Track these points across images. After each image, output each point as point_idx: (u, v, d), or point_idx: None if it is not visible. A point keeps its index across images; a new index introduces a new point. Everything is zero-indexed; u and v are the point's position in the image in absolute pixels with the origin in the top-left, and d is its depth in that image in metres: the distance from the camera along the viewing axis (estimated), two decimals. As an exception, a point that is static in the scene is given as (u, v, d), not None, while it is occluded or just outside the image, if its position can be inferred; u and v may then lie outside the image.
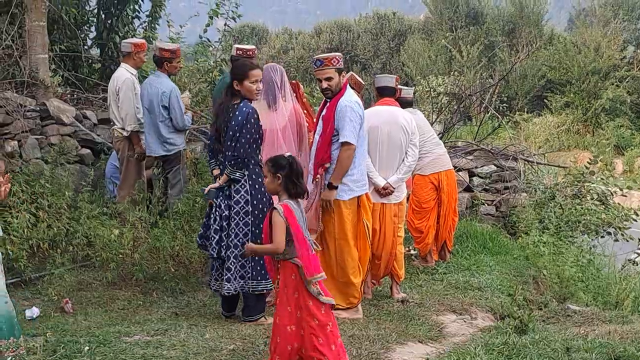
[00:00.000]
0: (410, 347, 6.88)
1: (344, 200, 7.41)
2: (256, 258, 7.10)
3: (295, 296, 5.50)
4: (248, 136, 7.00)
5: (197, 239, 7.52)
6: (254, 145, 7.12)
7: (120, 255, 8.30)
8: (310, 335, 5.43)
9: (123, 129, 9.68)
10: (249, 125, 6.99)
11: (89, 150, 10.83)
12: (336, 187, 7.37)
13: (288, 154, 5.77)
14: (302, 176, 5.68)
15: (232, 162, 7.01)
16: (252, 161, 7.12)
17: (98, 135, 11.12)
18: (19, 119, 9.60)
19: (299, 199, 5.67)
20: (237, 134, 6.96)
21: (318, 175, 7.47)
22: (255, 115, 7.07)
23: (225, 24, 13.26)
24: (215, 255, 7.13)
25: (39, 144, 9.97)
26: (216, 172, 7.27)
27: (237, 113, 6.99)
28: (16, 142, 9.56)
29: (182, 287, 8.35)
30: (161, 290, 8.15)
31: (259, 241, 6.31)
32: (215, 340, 6.52)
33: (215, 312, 7.64)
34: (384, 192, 8.12)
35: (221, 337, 6.62)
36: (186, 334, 6.73)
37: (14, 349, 5.45)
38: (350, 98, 7.39)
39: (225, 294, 7.14)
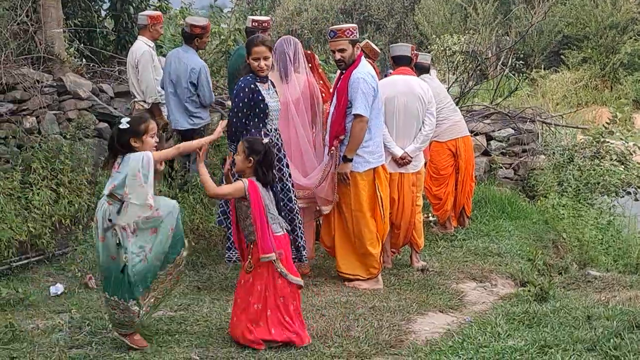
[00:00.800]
0: (431, 318, 6.93)
1: (359, 172, 7.44)
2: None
3: (265, 275, 5.79)
4: (236, 110, 7.04)
5: (217, 215, 7.57)
6: (248, 119, 7.11)
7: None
8: (276, 311, 5.82)
9: (144, 101, 9.70)
10: (237, 99, 7.05)
11: (106, 124, 10.83)
12: (351, 160, 7.43)
13: (266, 140, 5.89)
14: (273, 167, 5.89)
15: (228, 135, 7.18)
16: (245, 133, 7.09)
17: (115, 108, 11.13)
18: (36, 95, 9.60)
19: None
20: (235, 109, 7.06)
21: (333, 148, 7.49)
22: (246, 89, 7.03)
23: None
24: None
25: (57, 120, 9.98)
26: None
27: (236, 87, 7.13)
28: (34, 118, 9.57)
29: (203, 260, 8.40)
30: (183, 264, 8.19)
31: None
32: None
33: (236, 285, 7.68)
34: (402, 161, 8.12)
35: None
36: (209, 308, 6.80)
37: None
38: (363, 70, 7.39)
39: None
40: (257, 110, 7.06)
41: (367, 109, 7.30)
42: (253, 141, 5.82)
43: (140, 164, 5.47)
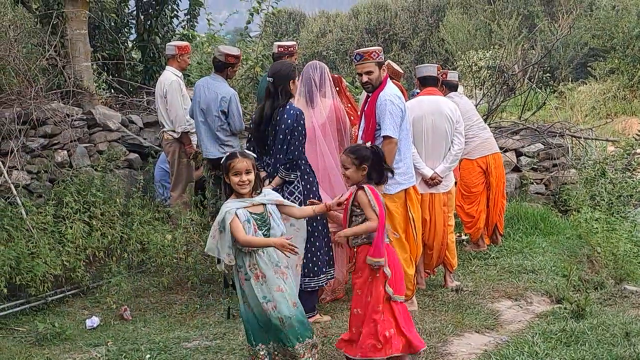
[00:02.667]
0: (468, 339, 6.89)
1: (390, 194, 7.40)
2: (309, 255, 7.18)
3: (369, 281, 5.71)
4: (301, 138, 7.09)
5: None
6: (304, 146, 7.20)
7: (175, 260, 8.42)
8: (370, 322, 5.68)
9: (173, 131, 9.78)
10: (300, 128, 7.08)
11: (136, 155, 10.94)
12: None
13: (368, 143, 6.00)
14: (383, 163, 5.92)
15: (288, 165, 7.09)
16: (303, 161, 7.20)
17: (145, 139, 11.23)
18: (66, 129, 9.72)
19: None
20: (289, 137, 7.03)
21: None
22: (303, 116, 7.15)
23: (263, 20, 13.27)
24: None
25: (88, 152, 10.09)
26: (262, 174, 7.29)
27: (285, 116, 7.04)
28: (65, 152, 9.69)
29: (237, 287, 8.41)
30: (217, 293, 8.22)
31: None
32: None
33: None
34: (432, 182, 8.11)
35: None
36: (245, 337, 6.79)
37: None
38: (390, 91, 7.34)
39: None
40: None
41: (395, 130, 7.23)
42: (358, 150, 5.83)
43: (220, 216, 5.40)
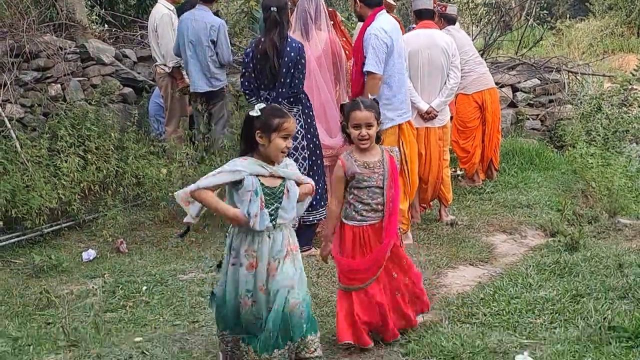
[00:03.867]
0: (462, 271, 6.94)
1: (382, 129, 7.34)
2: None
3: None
4: (304, 71, 7.13)
5: None
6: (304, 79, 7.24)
7: (170, 194, 8.39)
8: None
9: (165, 65, 9.70)
10: (303, 60, 7.11)
11: (131, 89, 10.86)
12: None
13: (371, 96, 5.54)
14: None
15: (291, 99, 7.12)
16: (303, 95, 7.21)
17: (139, 73, 11.14)
18: (60, 62, 9.62)
19: None
20: (292, 70, 7.04)
21: None
22: (304, 49, 7.17)
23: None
24: None
25: (82, 86, 10.01)
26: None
27: (288, 49, 7.03)
28: (59, 86, 9.61)
29: (233, 220, 8.43)
30: (213, 226, 8.23)
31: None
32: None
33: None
34: (428, 116, 8.08)
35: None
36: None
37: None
38: (378, 25, 7.18)
39: None
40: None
41: (378, 65, 7.08)
42: (372, 103, 5.19)
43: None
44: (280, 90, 7.08)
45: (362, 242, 5.12)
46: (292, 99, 7.10)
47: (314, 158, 7.28)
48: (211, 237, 8.05)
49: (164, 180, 8.51)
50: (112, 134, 9.04)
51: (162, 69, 9.75)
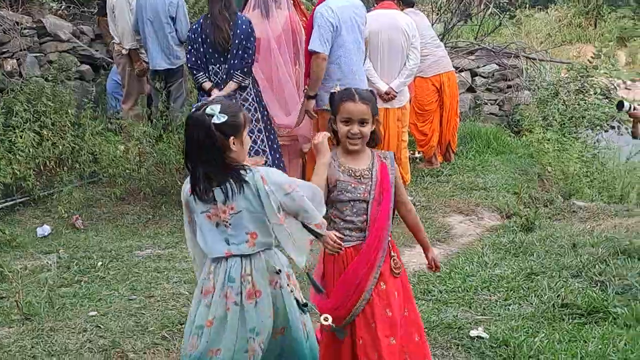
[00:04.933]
0: (419, 250, 6.86)
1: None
2: (271, 160, 7.27)
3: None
4: (256, 44, 7.27)
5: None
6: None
7: (127, 171, 8.34)
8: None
9: (120, 44, 9.59)
10: (254, 34, 7.24)
11: (88, 67, 10.75)
12: (313, 97, 7.18)
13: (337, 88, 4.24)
14: None
15: (245, 70, 7.20)
16: (252, 69, 7.30)
17: (96, 50, 11.02)
18: (16, 37, 9.49)
19: None
20: (245, 42, 7.16)
21: (306, 86, 7.38)
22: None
23: None
24: None
25: (38, 62, 9.89)
26: (207, 84, 7.31)
27: (239, 22, 7.16)
28: (15, 61, 9.48)
29: (189, 198, 8.39)
30: (169, 204, 8.18)
31: None
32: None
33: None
34: (387, 97, 8.07)
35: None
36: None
37: None
38: (327, 3, 7.11)
39: None
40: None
41: (322, 44, 6.99)
42: (369, 94, 4.07)
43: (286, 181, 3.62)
44: (232, 62, 7.18)
45: (343, 269, 4.00)
46: (245, 69, 7.22)
47: (269, 132, 7.44)
48: (168, 215, 8.01)
49: (120, 157, 8.43)
50: (69, 111, 8.90)
51: (120, 47, 9.64)
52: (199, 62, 7.29)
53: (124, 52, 9.45)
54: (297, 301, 3.70)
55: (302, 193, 3.58)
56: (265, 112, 7.48)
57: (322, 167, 3.87)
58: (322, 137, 3.91)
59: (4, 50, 9.36)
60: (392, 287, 4.04)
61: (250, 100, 7.29)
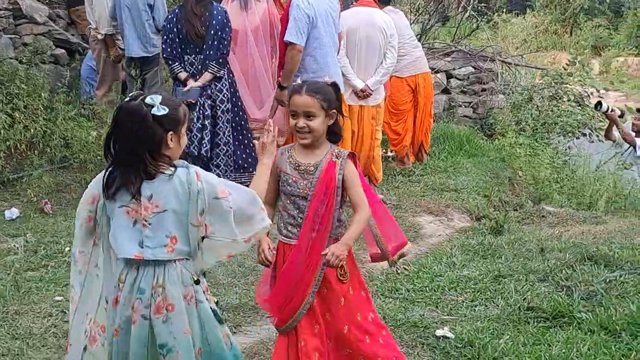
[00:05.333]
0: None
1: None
2: (241, 147, 7.48)
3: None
4: (231, 34, 7.29)
5: None
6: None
7: (99, 157, 8.27)
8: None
9: (98, 30, 9.53)
10: (230, 24, 7.27)
11: (63, 51, 10.66)
12: (285, 88, 7.07)
13: (326, 78, 3.98)
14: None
15: (220, 60, 7.23)
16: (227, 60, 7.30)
17: (72, 35, 10.94)
18: (-10, 18, 9.42)
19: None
20: (220, 33, 7.18)
21: (279, 78, 7.37)
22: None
23: None
24: (195, 154, 7.19)
25: (13, 44, 9.79)
26: (183, 75, 7.30)
27: (215, 12, 7.19)
28: (-11, 42, 9.40)
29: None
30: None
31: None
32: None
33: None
34: (362, 94, 8.08)
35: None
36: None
37: None
38: None
39: None
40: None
41: (298, 35, 6.98)
42: (321, 86, 3.85)
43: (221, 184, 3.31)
44: (208, 52, 7.22)
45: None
46: (220, 60, 7.25)
47: (238, 120, 7.45)
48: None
49: (92, 143, 8.38)
50: (42, 94, 8.82)
51: (96, 33, 9.57)
52: (174, 52, 7.29)
53: (99, 37, 9.40)
54: (214, 312, 3.38)
55: (232, 204, 3.24)
56: (239, 103, 7.47)
57: (264, 168, 3.65)
58: (271, 137, 3.68)
59: (-22, 30, 9.27)
60: (338, 294, 3.89)
61: (224, 91, 7.30)
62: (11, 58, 9.41)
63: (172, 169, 3.22)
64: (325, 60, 7.23)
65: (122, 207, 3.24)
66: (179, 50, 7.28)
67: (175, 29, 7.24)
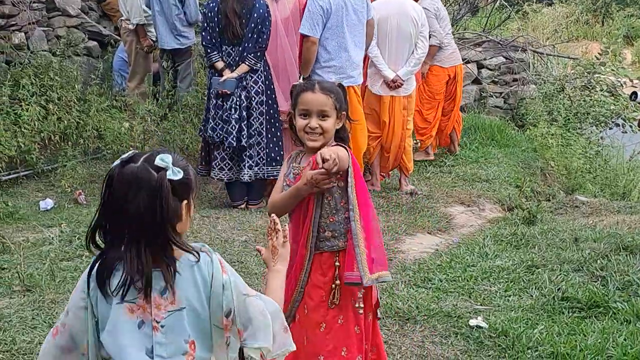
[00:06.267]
0: (420, 238, 6.98)
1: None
2: (274, 139, 7.40)
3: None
4: (270, 28, 7.26)
5: (202, 127, 7.56)
6: None
7: (131, 148, 8.32)
8: None
9: (130, 21, 9.59)
10: (270, 18, 7.24)
11: (96, 43, 10.73)
12: (306, 78, 7.19)
13: (333, 78, 3.75)
14: None
15: (258, 54, 7.22)
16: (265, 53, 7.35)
17: (104, 27, 11.01)
18: (24, 10, 9.46)
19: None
20: (260, 26, 7.16)
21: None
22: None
23: None
24: (235, 145, 7.19)
25: (46, 36, 9.87)
26: (220, 64, 7.28)
27: (256, 6, 7.15)
28: (23, 34, 9.45)
29: (192, 179, 8.40)
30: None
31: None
32: (227, 231, 6.64)
33: (225, 203, 7.73)
34: (393, 84, 8.06)
35: (233, 229, 6.73)
36: (199, 225, 6.81)
37: None
38: None
39: (248, 179, 7.35)
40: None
41: (312, 28, 7.09)
42: (333, 86, 3.59)
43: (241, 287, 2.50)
44: (246, 45, 7.19)
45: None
46: (259, 53, 7.23)
47: (272, 112, 7.46)
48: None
49: (125, 134, 8.45)
50: (75, 86, 8.92)
51: (127, 24, 9.63)
52: (213, 40, 7.27)
53: (131, 27, 9.46)
54: None
55: (259, 303, 2.48)
56: (273, 96, 7.44)
57: (279, 276, 2.78)
58: (282, 238, 2.82)
59: (13, 23, 9.33)
60: (319, 317, 3.49)
61: (260, 83, 7.29)
62: (44, 50, 9.50)
63: (196, 253, 2.42)
64: (336, 51, 7.28)
65: (122, 303, 2.37)
66: (218, 39, 7.28)
67: (216, 19, 7.23)
